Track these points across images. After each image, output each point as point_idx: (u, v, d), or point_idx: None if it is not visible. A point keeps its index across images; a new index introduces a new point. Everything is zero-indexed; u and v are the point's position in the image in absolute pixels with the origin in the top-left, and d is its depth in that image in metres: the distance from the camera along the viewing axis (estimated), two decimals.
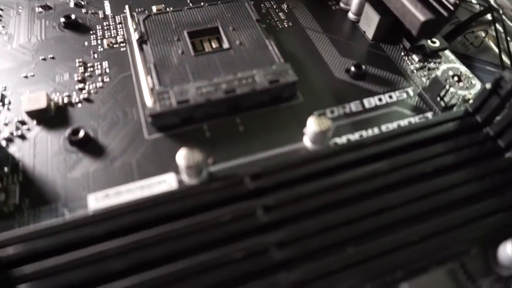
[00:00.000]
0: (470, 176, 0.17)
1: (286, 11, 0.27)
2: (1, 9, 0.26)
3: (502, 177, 0.17)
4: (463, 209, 0.16)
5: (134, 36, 0.23)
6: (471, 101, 0.20)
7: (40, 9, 0.26)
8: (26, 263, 0.14)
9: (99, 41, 0.24)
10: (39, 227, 0.15)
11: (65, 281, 0.14)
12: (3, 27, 0.25)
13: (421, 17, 0.20)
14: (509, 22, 0.23)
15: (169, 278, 0.14)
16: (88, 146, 0.19)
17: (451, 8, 0.20)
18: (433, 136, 0.19)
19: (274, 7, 0.27)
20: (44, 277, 0.14)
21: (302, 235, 0.15)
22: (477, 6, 0.24)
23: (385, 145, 0.18)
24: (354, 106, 0.21)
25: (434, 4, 0.20)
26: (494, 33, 0.23)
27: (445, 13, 0.20)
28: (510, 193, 0.17)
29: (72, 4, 0.26)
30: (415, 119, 0.21)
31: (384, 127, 0.20)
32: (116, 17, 0.26)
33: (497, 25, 0.24)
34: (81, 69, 0.22)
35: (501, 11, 0.22)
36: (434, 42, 0.24)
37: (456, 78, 0.22)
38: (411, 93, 0.22)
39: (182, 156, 0.17)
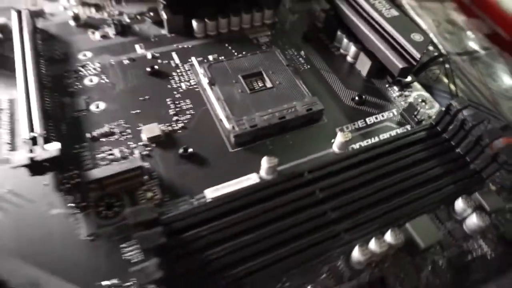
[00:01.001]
0: (436, 164, 0.29)
1: (304, 57, 0.38)
2: (99, 63, 0.35)
3: (454, 164, 0.29)
4: (434, 183, 0.28)
5: (204, 80, 0.33)
6: (433, 117, 0.31)
7: (127, 61, 0.35)
8: (185, 231, 0.24)
9: (178, 84, 0.34)
10: (188, 210, 0.25)
11: (210, 240, 0.24)
12: (105, 76, 0.34)
13: (400, 65, 0.32)
14: (457, 62, 0.35)
15: (269, 234, 0.24)
16: (194, 159, 0.29)
17: (418, 59, 0.32)
18: (412, 141, 0.30)
19: (295, 54, 0.38)
20: (198, 239, 0.24)
21: (345, 203, 0.26)
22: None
23: (383, 148, 0.29)
24: (360, 123, 0.32)
25: (407, 56, 0.32)
26: (444, 71, 0.35)
27: (414, 63, 0.32)
28: (459, 173, 0.28)
29: (149, 56, 0.36)
30: (399, 130, 0.32)
31: (381, 136, 0.31)
32: (184, 65, 0.35)
33: (447, 65, 0.36)
34: (172, 106, 0.32)
35: (448, 56, 0.34)
36: (406, 77, 0.35)
37: (423, 102, 0.34)
38: (395, 113, 0.33)
39: (265, 160, 0.27)
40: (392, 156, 0.29)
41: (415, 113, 0.32)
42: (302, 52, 0.38)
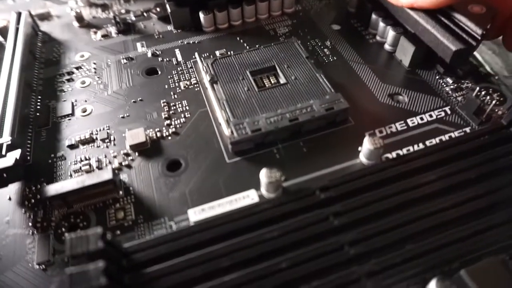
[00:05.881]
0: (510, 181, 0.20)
1: (330, 47, 0.31)
2: (94, 63, 0.31)
3: None
4: (506, 209, 0.19)
5: (206, 78, 0.28)
6: (504, 115, 0.23)
7: (125, 60, 0.31)
8: (153, 264, 0.18)
9: (176, 84, 0.29)
10: (159, 236, 0.19)
11: (183, 278, 0.18)
12: (98, 77, 0.30)
13: (453, 47, 0.24)
14: None
15: (265, 272, 0.18)
16: (181, 171, 0.23)
17: (479, 38, 0.23)
18: (473, 147, 0.22)
19: (319, 44, 0.31)
20: (167, 275, 0.18)
21: (369, 235, 0.19)
22: None
23: (430, 157, 0.22)
24: (399, 125, 0.25)
25: (463, 35, 0.24)
26: None
27: (473, 43, 0.24)
28: None
29: (149, 54, 0.32)
30: (454, 134, 0.24)
31: (428, 142, 0.24)
32: (187, 62, 0.31)
33: None
34: (166, 108, 0.27)
35: None
36: (463, 64, 0.27)
37: (487, 95, 0.25)
38: (449, 111, 0.25)
39: (264, 174, 0.21)
40: (443, 169, 0.21)
41: (477, 110, 0.24)
42: (328, 42, 0.31)
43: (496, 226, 0.19)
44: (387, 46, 0.30)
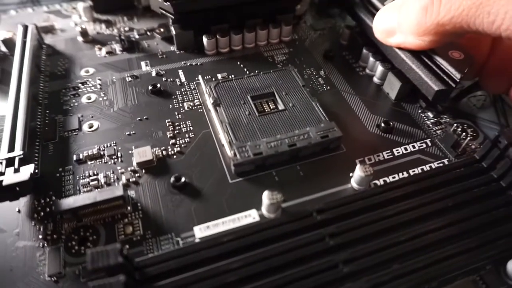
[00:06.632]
0: (483, 210, 0.23)
1: (324, 76, 0.34)
2: (99, 79, 0.32)
3: (507, 210, 0.23)
4: (479, 235, 0.22)
5: (209, 100, 0.30)
6: (478, 150, 0.26)
7: (130, 78, 0.33)
8: (163, 278, 0.20)
9: (180, 104, 0.31)
10: (168, 252, 0.21)
11: None
12: (103, 94, 0.31)
13: (435, 87, 0.27)
14: None
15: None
16: (187, 189, 0.25)
17: (457, 80, 0.26)
18: (450, 178, 0.25)
19: (314, 73, 0.34)
20: None
21: (361, 255, 0.21)
22: None
23: (413, 186, 0.24)
24: (386, 154, 0.27)
25: (444, 77, 0.27)
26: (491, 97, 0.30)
27: (452, 84, 0.27)
28: None
29: (154, 74, 0.33)
30: (434, 165, 0.27)
31: (411, 171, 0.26)
32: (190, 84, 0.32)
33: None
34: (171, 128, 0.29)
35: None
36: (444, 102, 0.30)
37: (463, 132, 0.28)
38: (429, 143, 0.28)
39: (266, 195, 0.23)
40: (424, 197, 0.23)
41: (454, 144, 0.27)
42: (322, 72, 0.34)
43: (469, 250, 0.22)
44: (375, 79, 0.33)
